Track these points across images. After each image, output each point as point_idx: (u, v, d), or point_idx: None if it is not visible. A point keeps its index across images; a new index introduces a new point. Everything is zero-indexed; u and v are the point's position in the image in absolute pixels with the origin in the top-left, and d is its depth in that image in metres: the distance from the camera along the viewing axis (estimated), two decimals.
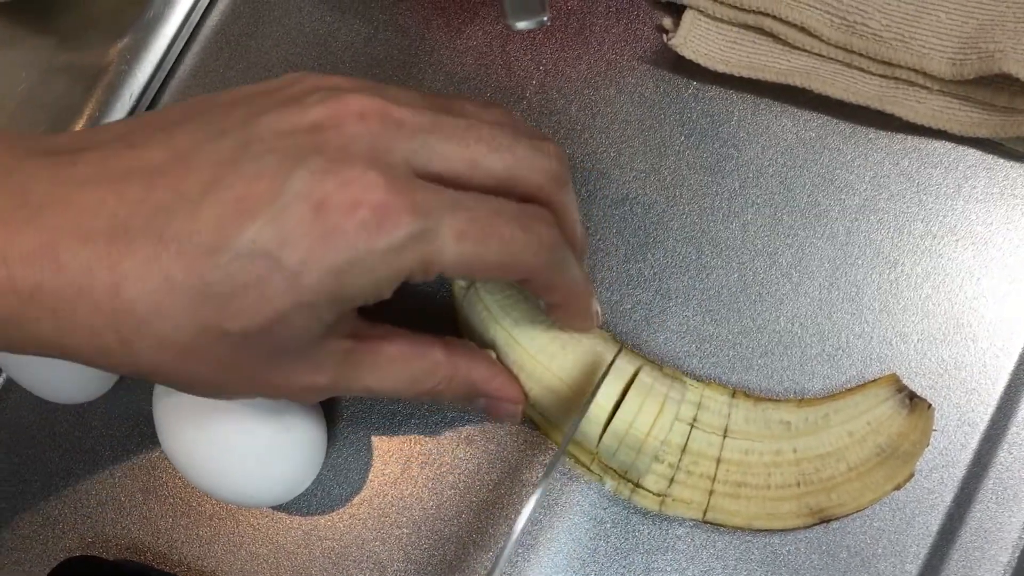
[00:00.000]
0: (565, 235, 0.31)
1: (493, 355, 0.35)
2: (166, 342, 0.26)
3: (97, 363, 0.27)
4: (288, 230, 0.25)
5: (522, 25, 0.29)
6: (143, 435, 0.40)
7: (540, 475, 0.38)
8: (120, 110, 0.42)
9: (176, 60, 0.43)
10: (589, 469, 0.37)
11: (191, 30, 0.43)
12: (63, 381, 0.38)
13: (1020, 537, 0.36)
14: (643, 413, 0.34)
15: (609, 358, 0.35)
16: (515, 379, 0.34)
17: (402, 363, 0.31)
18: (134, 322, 0.26)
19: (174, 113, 0.29)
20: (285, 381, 0.29)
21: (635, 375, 0.34)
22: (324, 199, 0.25)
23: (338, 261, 0.26)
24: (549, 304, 0.33)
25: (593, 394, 0.33)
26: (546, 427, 0.38)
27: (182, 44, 0.43)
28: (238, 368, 0.28)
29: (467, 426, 0.39)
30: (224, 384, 0.29)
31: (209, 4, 0.43)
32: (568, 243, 0.31)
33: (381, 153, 0.27)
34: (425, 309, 0.39)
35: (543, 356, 0.35)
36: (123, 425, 0.40)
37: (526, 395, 0.35)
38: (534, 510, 0.32)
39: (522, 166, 0.29)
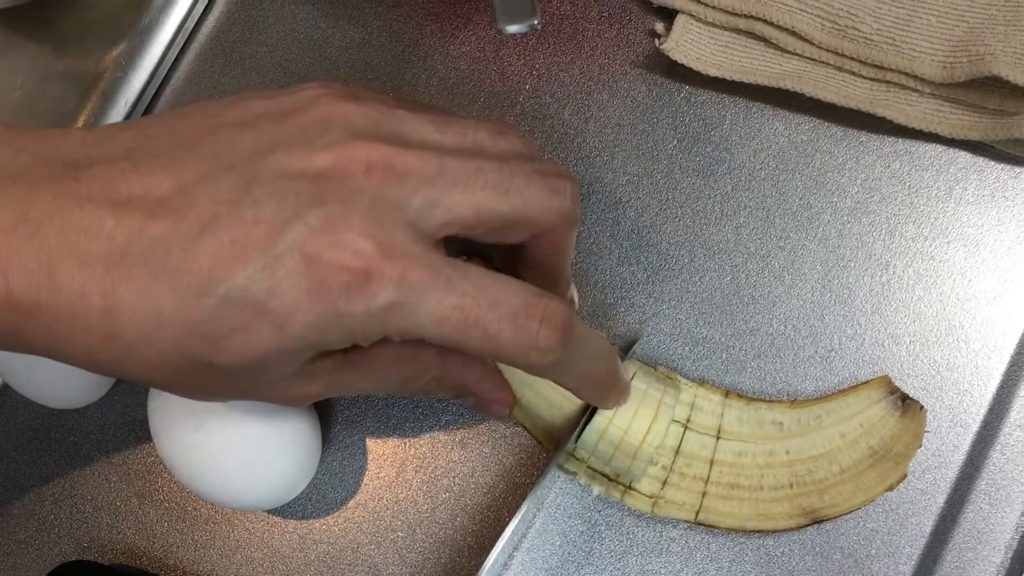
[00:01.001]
0: (555, 276, 0.32)
1: None
2: (154, 365, 0.27)
3: (90, 370, 0.28)
4: (278, 280, 0.26)
5: (512, 29, 0.30)
6: (139, 439, 0.40)
7: (533, 479, 0.38)
8: (116, 116, 0.42)
9: (172, 66, 0.43)
10: (575, 475, 0.37)
11: (186, 36, 0.43)
12: (58, 386, 0.38)
13: (1013, 538, 0.36)
14: (638, 419, 0.34)
15: None
16: (504, 381, 0.35)
17: (394, 365, 0.31)
18: (124, 346, 0.26)
19: (182, 128, 0.28)
20: (276, 393, 0.30)
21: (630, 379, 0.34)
22: (316, 255, 0.26)
23: (320, 316, 0.26)
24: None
25: (590, 415, 0.34)
26: (538, 433, 0.38)
27: (177, 50, 0.43)
28: (226, 387, 0.29)
29: (462, 429, 0.39)
30: (214, 395, 0.30)
31: (204, 11, 0.43)
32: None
33: (382, 211, 0.27)
34: None
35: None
36: (118, 430, 0.40)
37: (515, 397, 0.35)
38: (525, 515, 0.32)
39: (531, 209, 0.29)
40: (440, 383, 0.32)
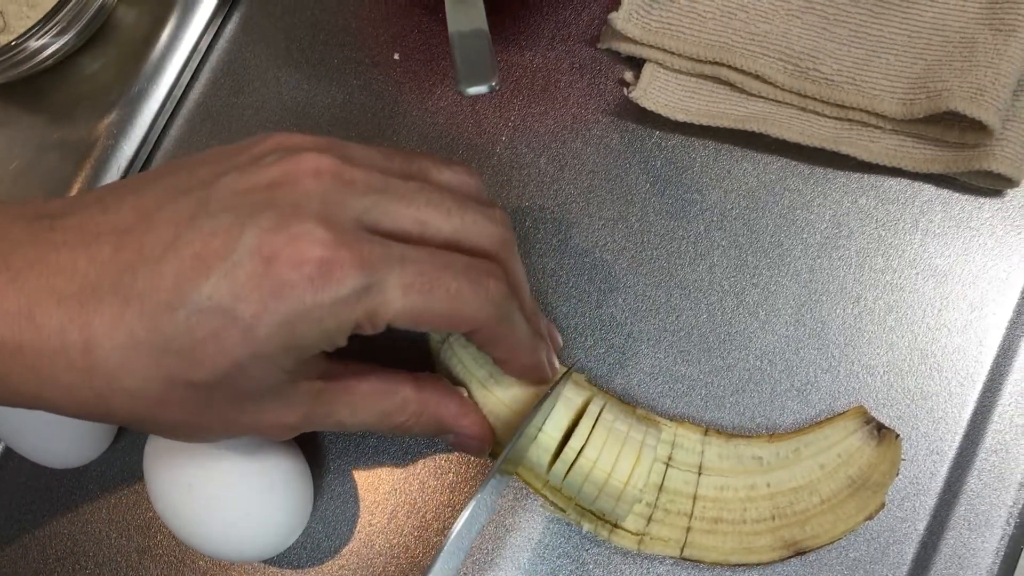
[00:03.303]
0: (513, 295, 0.32)
1: (465, 392, 0.36)
2: (137, 394, 0.28)
3: (76, 415, 0.29)
4: (240, 284, 0.27)
5: (472, 91, 0.31)
6: (137, 495, 0.41)
7: (520, 518, 0.39)
8: (109, 181, 0.44)
9: (161, 132, 0.44)
10: (564, 512, 0.38)
11: (175, 103, 0.45)
12: (58, 447, 0.39)
13: (994, 563, 0.37)
14: (621, 461, 0.34)
15: (580, 404, 0.36)
16: (483, 418, 0.35)
17: (373, 399, 0.32)
18: (105, 378, 0.27)
19: (149, 175, 0.30)
20: (257, 421, 0.31)
21: (600, 413, 0.35)
22: (274, 254, 0.27)
23: (288, 314, 0.27)
24: (497, 359, 0.34)
25: (535, 411, 0.34)
26: (522, 472, 0.39)
27: (167, 116, 0.45)
28: (209, 412, 0.29)
29: (451, 474, 0.40)
30: (199, 426, 0.30)
31: (192, 78, 0.45)
32: (516, 300, 0.32)
33: (332, 209, 0.28)
34: (405, 348, 0.40)
35: (517, 405, 0.36)
36: (118, 487, 0.41)
37: (494, 433, 0.36)
38: (470, 520, 0.32)
39: (469, 230, 0.31)
40: (418, 419, 0.33)
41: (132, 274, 0.27)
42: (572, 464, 0.34)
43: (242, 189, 0.28)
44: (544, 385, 0.35)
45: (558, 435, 0.34)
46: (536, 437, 0.35)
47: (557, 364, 0.36)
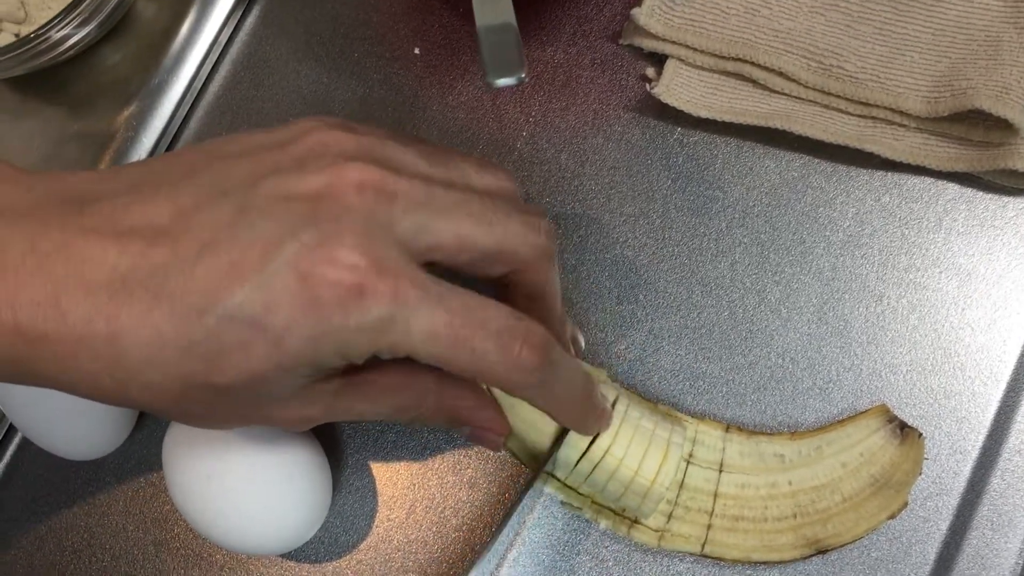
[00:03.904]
0: (544, 311, 0.32)
1: (484, 385, 0.36)
2: (157, 389, 0.28)
3: (95, 399, 0.29)
4: (274, 297, 0.27)
5: (501, 83, 0.31)
6: (154, 488, 0.41)
7: (539, 516, 0.39)
8: None
9: (181, 125, 0.44)
10: (580, 510, 0.38)
11: (195, 95, 0.44)
12: (76, 438, 0.39)
13: (1016, 563, 0.36)
14: (648, 459, 0.34)
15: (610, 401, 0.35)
16: (500, 411, 0.35)
17: (392, 392, 0.32)
18: (128, 370, 0.27)
19: (183, 162, 0.30)
20: (277, 414, 0.30)
21: (625, 412, 0.35)
22: (310, 271, 0.27)
23: (315, 330, 0.27)
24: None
25: (564, 437, 0.34)
26: (524, 457, 0.38)
27: (187, 109, 0.44)
28: (228, 408, 0.29)
29: (470, 469, 0.40)
30: (218, 419, 0.31)
31: (211, 70, 0.45)
32: (555, 365, 0.30)
33: (373, 229, 0.28)
34: None
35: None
36: (135, 479, 0.41)
37: (509, 427, 0.35)
38: (507, 534, 0.33)
39: (510, 242, 0.30)
40: (436, 411, 0.33)
41: (164, 273, 0.27)
42: (598, 463, 0.34)
43: (283, 196, 0.28)
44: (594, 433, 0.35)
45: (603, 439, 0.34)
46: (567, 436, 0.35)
47: (610, 411, 0.35)
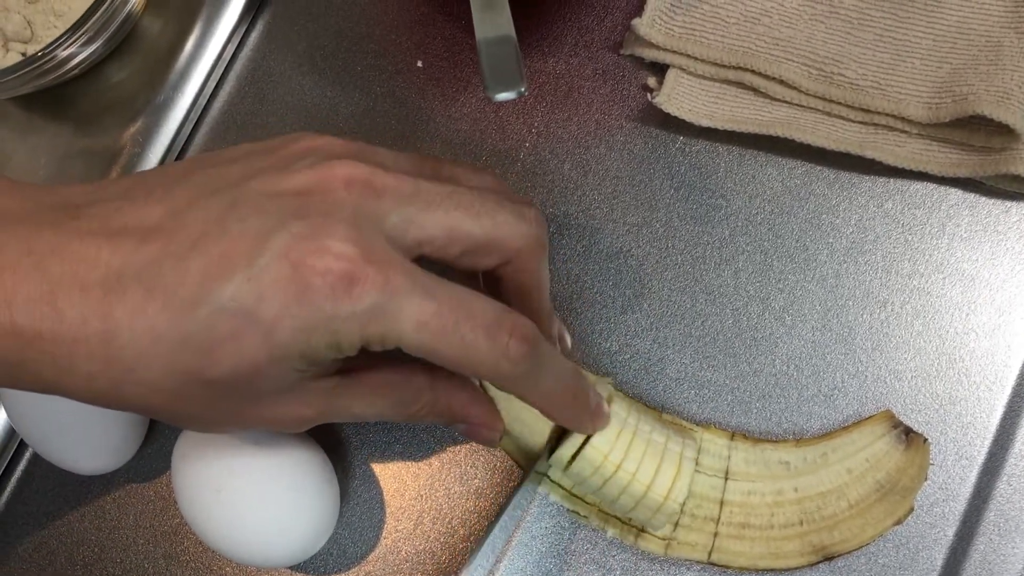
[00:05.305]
0: (533, 306, 0.32)
1: (476, 382, 0.36)
2: (152, 387, 0.28)
3: (92, 402, 0.29)
4: (264, 287, 0.27)
5: (501, 96, 0.31)
6: (164, 502, 0.41)
7: (546, 525, 0.39)
8: None
9: (186, 141, 0.45)
10: (587, 519, 0.38)
11: (200, 111, 0.45)
12: (86, 453, 0.39)
13: None
14: (661, 475, 0.34)
15: (623, 416, 0.35)
16: (494, 407, 0.35)
17: (387, 390, 0.32)
18: (123, 368, 0.27)
19: (177, 169, 0.31)
20: (272, 414, 0.30)
21: (637, 426, 0.35)
22: (301, 261, 0.27)
23: (307, 320, 0.27)
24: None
25: (561, 435, 0.34)
26: (520, 457, 0.38)
27: (192, 124, 0.45)
28: (224, 406, 0.29)
29: (477, 480, 0.40)
30: (213, 420, 0.30)
31: (216, 86, 0.45)
32: (545, 357, 0.31)
33: (363, 222, 0.28)
34: None
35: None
36: (145, 493, 0.42)
37: (504, 423, 0.35)
38: (500, 533, 0.33)
39: (501, 231, 0.31)
40: (431, 408, 0.33)
41: (157, 268, 0.27)
42: (610, 477, 0.34)
43: (272, 192, 0.28)
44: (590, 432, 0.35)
45: (606, 448, 0.34)
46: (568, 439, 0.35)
47: (606, 408, 0.35)
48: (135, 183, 0.30)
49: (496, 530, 0.32)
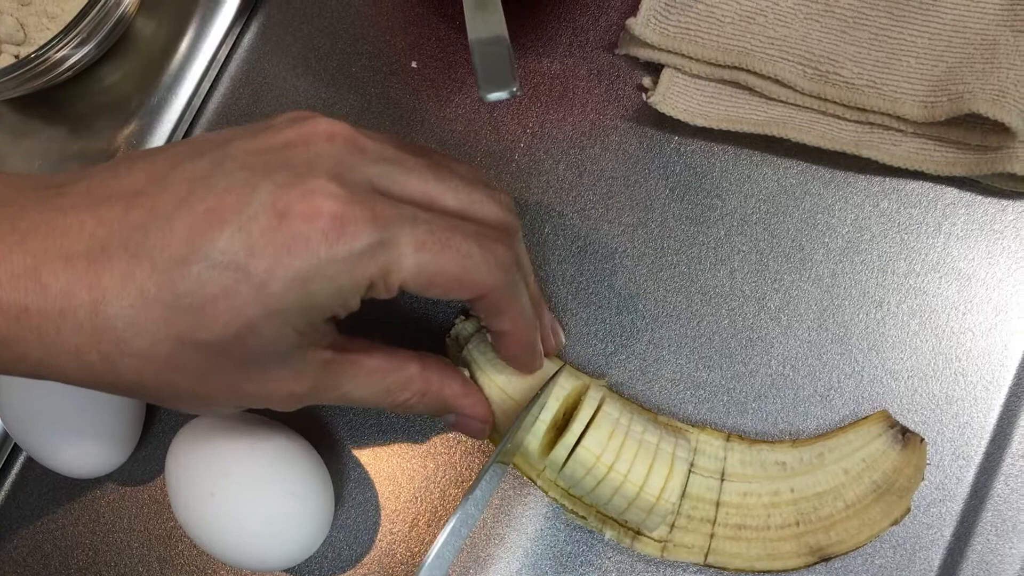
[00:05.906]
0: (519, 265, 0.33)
1: (467, 373, 0.36)
2: (145, 356, 0.27)
3: (82, 382, 0.28)
4: (254, 239, 0.26)
5: (493, 96, 0.31)
6: (158, 505, 0.41)
7: (542, 526, 0.39)
8: None
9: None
10: (585, 520, 0.38)
11: (194, 112, 0.45)
12: (79, 456, 0.39)
13: (1022, 569, 0.36)
14: (653, 475, 0.34)
15: (595, 407, 0.35)
16: (485, 400, 0.35)
17: (379, 375, 0.32)
18: (113, 339, 0.27)
19: (162, 147, 0.31)
20: (265, 389, 0.30)
21: (627, 430, 0.35)
22: (288, 209, 0.27)
23: (302, 269, 0.27)
24: (495, 333, 0.34)
25: (533, 401, 0.34)
26: (532, 475, 0.38)
27: (186, 127, 0.45)
28: (217, 377, 0.29)
29: (471, 482, 0.40)
30: (205, 394, 0.30)
31: (210, 88, 0.45)
32: (522, 271, 0.32)
33: (344, 170, 0.28)
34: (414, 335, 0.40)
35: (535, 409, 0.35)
36: (139, 496, 0.41)
37: (494, 416, 0.36)
38: (467, 511, 0.32)
39: (475, 208, 0.31)
40: (422, 397, 0.33)
41: (143, 231, 0.27)
42: (603, 478, 0.34)
43: (256, 149, 0.29)
44: (532, 373, 0.36)
45: (598, 450, 0.34)
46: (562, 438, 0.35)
47: (561, 339, 0.36)
48: (119, 160, 0.30)
49: (465, 507, 0.32)
